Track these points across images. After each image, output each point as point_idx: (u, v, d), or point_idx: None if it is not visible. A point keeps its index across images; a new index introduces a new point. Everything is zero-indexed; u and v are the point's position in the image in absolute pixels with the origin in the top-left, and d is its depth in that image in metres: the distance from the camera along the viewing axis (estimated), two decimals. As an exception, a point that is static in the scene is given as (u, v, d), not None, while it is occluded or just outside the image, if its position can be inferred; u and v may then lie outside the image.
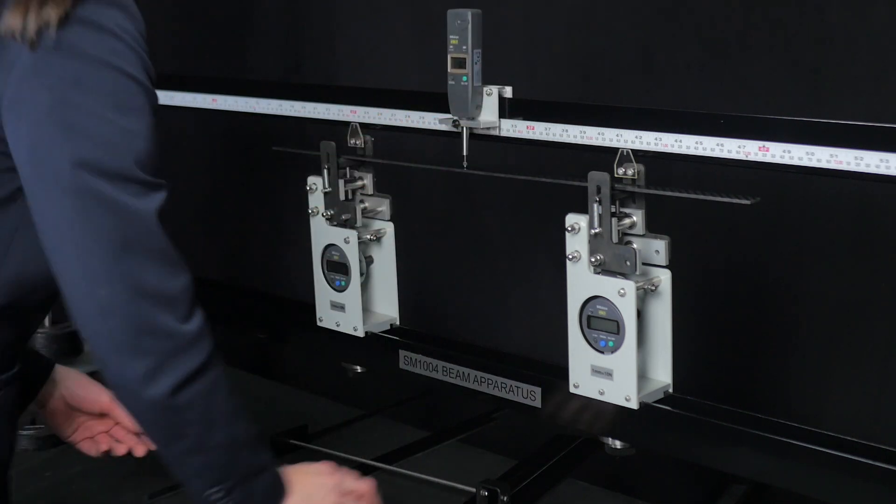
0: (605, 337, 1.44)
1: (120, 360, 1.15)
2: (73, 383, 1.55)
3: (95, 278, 1.13)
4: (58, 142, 1.12)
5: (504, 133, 1.53)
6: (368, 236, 1.76)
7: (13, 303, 1.25)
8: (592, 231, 1.41)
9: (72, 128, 1.12)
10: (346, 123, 1.73)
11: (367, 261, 1.78)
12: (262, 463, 1.28)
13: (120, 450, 1.56)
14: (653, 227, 1.44)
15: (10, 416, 1.31)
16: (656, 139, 1.38)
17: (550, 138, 1.48)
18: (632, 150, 1.39)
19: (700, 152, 1.35)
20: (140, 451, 1.55)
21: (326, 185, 1.74)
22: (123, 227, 1.13)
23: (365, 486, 1.41)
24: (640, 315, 1.44)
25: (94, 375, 1.56)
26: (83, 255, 1.13)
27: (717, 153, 1.33)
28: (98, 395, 1.55)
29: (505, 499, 1.49)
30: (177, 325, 1.16)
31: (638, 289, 1.41)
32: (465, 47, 1.49)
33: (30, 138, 1.14)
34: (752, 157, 1.30)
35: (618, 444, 1.51)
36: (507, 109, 1.52)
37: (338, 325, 1.78)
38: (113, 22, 1.14)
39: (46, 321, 2.21)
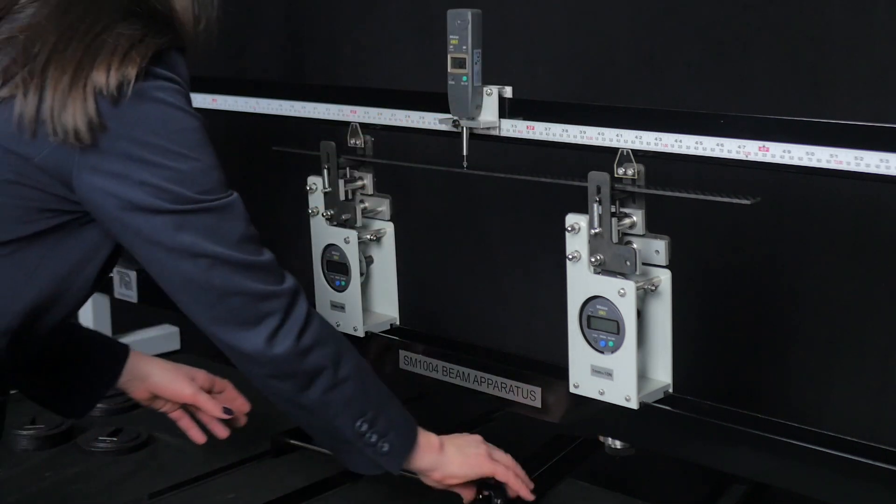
0: (605, 337, 1.44)
1: (248, 332, 1.30)
2: (157, 374, 1.64)
3: (208, 271, 1.27)
4: (141, 180, 1.22)
5: (504, 133, 1.53)
6: (368, 236, 1.76)
7: (21, 330, 1.28)
8: (592, 231, 1.41)
9: (153, 166, 1.22)
10: (346, 123, 1.73)
11: (367, 261, 1.78)
12: (388, 392, 1.42)
13: (222, 433, 1.67)
14: (653, 227, 1.44)
15: None
16: (656, 139, 1.38)
17: (550, 138, 1.48)
18: (632, 150, 1.39)
19: (700, 152, 1.34)
20: (243, 420, 1.68)
21: (326, 185, 1.74)
22: (218, 225, 1.28)
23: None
24: (640, 315, 1.44)
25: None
26: (193, 257, 1.26)
27: (717, 153, 1.33)
28: (182, 389, 1.64)
29: (499, 502, 1.50)
30: (279, 286, 1.32)
31: (638, 289, 1.41)
32: (465, 47, 1.49)
33: (113, 183, 1.22)
34: (752, 157, 1.30)
35: (618, 444, 1.51)
36: (507, 109, 1.52)
37: (338, 325, 1.78)
38: (171, 76, 1.26)
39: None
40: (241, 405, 1.68)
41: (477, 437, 1.52)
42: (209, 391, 1.66)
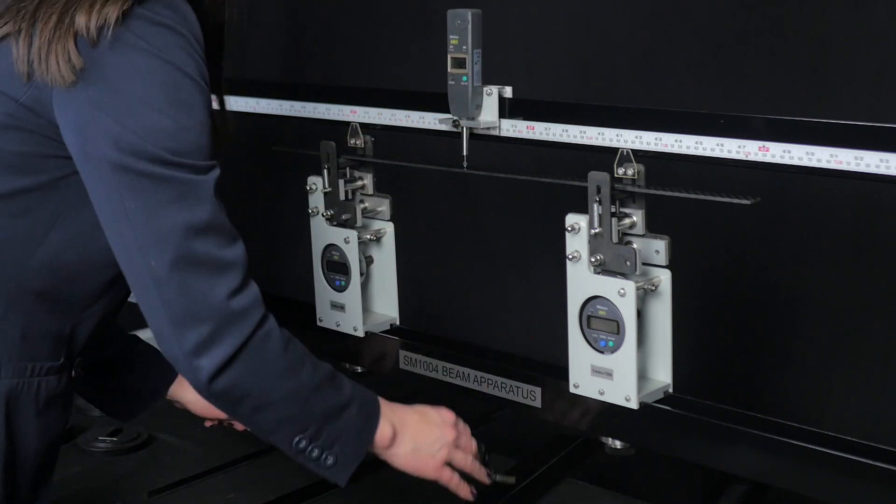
0: (605, 337, 1.44)
1: (174, 332, 1.18)
2: (195, 402, 1.62)
3: (147, 250, 1.17)
4: (104, 129, 1.16)
5: (504, 133, 1.53)
6: (368, 236, 1.76)
7: (50, 290, 1.28)
8: (592, 231, 1.41)
9: (119, 115, 1.16)
10: (346, 123, 1.73)
11: (367, 261, 1.78)
12: (343, 400, 1.31)
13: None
14: (653, 227, 1.44)
15: (47, 406, 1.32)
16: (656, 139, 1.38)
17: (550, 138, 1.48)
18: (632, 150, 1.39)
19: (700, 152, 1.34)
20: None
21: (326, 185, 1.74)
22: (172, 200, 1.16)
23: (474, 445, 1.46)
24: (640, 315, 1.44)
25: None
26: (139, 227, 1.17)
27: (717, 153, 1.33)
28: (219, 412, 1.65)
29: None
30: (224, 297, 1.19)
31: (638, 289, 1.41)
32: (465, 47, 1.49)
33: (78, 126, 1.18)
34: (752, 157, 1.30)
35: (618, 444, 1.51)
36: (507, 109, 1.52)
37: (338, 325, 1.78)
38: (170, 20, 1.19)
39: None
40: None
41: (442, 435, 1.42)
42: None
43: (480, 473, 1.47)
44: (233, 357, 1.20)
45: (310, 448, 1.29)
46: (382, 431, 1.37)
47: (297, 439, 1.29)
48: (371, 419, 1.36)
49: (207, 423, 1.68)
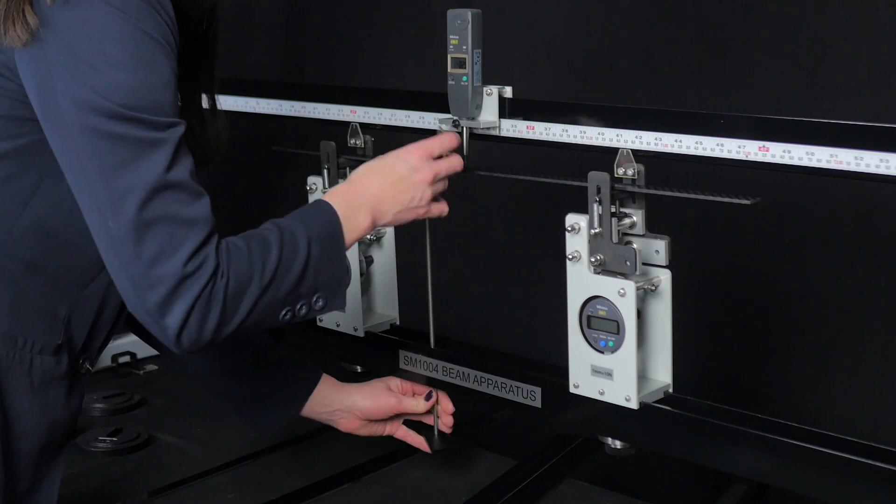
0: (605, 337, 1.44)
1: (135, 293, 1.17)
2: (360, 400, 1.65)
3: (105, 211, 1.16)
4: (61, 86, 1.16)
5: (504, 133, 1.53)
6: (368, 236, 1.76)
7: (39, 261, 1.29)
8: (592, 231, 1.41)
9: (76, 71, 1.15)
10: (346, 123, 1.73)
11: (367, 261, 1.78)
12: (302, 259, 1.27)
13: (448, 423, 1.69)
14: (653, 227, 1.44)
15: (44, 386, 1.32)
16: (656, 139, 1.38)
17: (550, 138, 1.48)
18: (632, 150, 1.39)
19: (700, 152, 1.34)
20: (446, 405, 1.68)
21: (326, 185, 1.74)
22: (128, 160, 1.15)
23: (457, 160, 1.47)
24: (640, 315, 1.44)
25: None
26: (94, 191, 1.17)
27: (717, 153, 1.33)
28: (387, 402, 1.65)
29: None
30: (181, 258, 1.17)
31: (638, 289, 1.41)
32: (465, 47, 1.49)
33: (38, 85, 1.18)
34: (752, 157, 1.30)
35: (618, 444, 1.51)
36: (507, 109, 1.52)
37: (338, 326, 1.78)
38: None
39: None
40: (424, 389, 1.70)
41: (418, 184, 1.43)
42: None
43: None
44: (191, 310, 1.18)
45: (296, 311, 1.28)
46: (357, 227, 1.36)
47: (281, 316, 1.27)
48: (335, 238, 1.33)
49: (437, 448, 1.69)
